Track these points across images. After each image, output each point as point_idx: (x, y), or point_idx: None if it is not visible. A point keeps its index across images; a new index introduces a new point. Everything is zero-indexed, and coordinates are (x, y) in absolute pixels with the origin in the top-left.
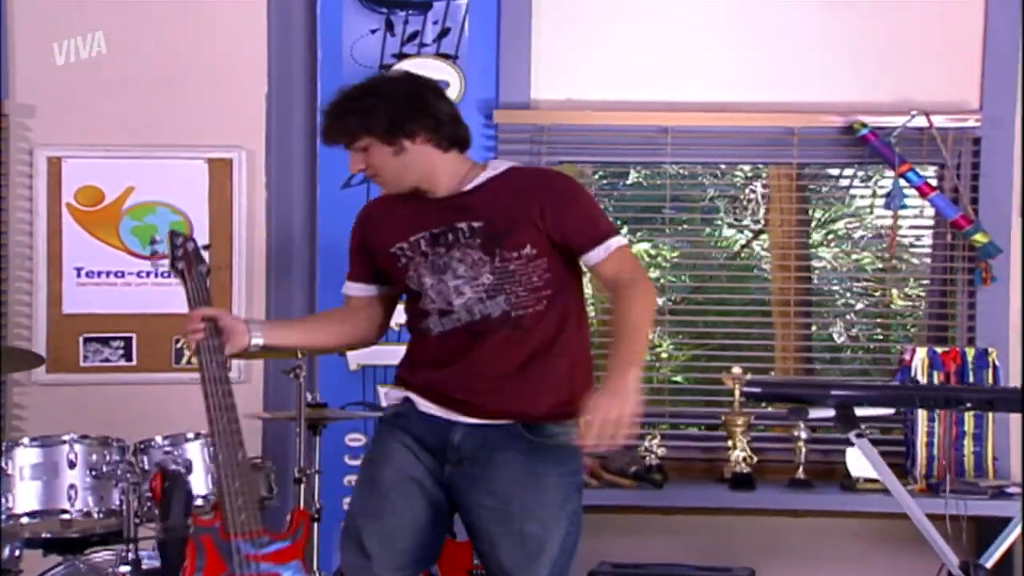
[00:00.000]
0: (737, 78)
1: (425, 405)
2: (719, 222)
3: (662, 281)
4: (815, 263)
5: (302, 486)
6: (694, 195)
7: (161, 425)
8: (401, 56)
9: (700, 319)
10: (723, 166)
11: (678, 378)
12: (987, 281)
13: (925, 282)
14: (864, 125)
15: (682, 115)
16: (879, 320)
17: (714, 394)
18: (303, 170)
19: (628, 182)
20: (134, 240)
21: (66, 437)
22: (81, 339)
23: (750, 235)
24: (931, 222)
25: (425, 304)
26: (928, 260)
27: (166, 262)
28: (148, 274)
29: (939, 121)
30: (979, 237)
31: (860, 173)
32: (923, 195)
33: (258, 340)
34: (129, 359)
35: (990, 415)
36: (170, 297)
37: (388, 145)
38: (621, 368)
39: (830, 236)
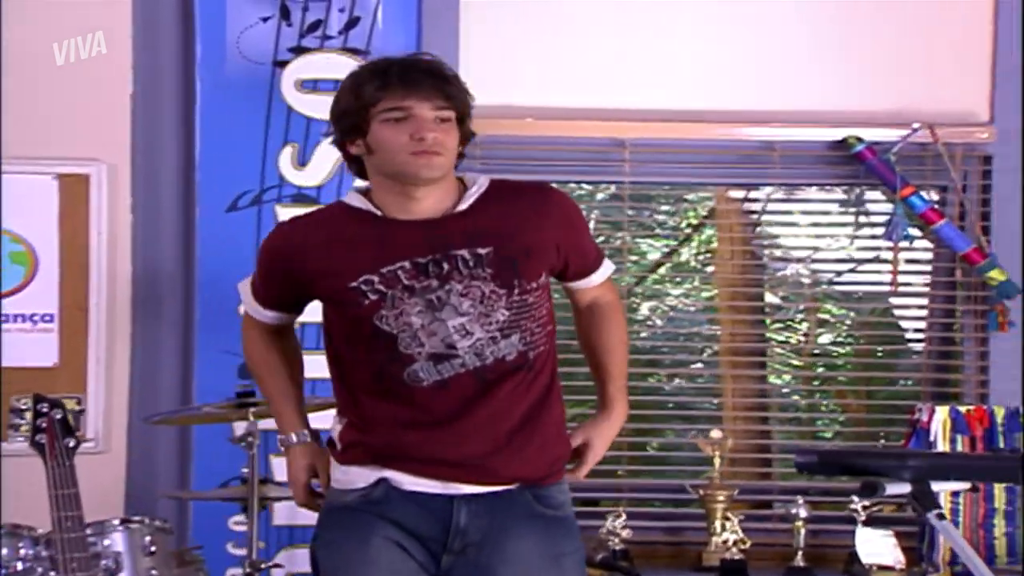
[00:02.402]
0: (708, 83)
1: (414, 482)
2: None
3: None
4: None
5: None
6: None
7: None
8: (300, 50)
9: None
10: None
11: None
12: (1004, 327)
13: (921, 327)
14: (859, 140)
15: (643, 125)
16: (863, 374)
17: (673, 462)
18: (177, 188)
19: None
20: None
21: None
22: None
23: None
24: (929, 255)
25: (406, 348)
26: (926, 301)
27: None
28: None
29: (944, 135)
30: (995, 274)
31: (847, 196)
32: (929, 223)
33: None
34: None
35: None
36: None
37: (459, 131)
38: (621, 392)
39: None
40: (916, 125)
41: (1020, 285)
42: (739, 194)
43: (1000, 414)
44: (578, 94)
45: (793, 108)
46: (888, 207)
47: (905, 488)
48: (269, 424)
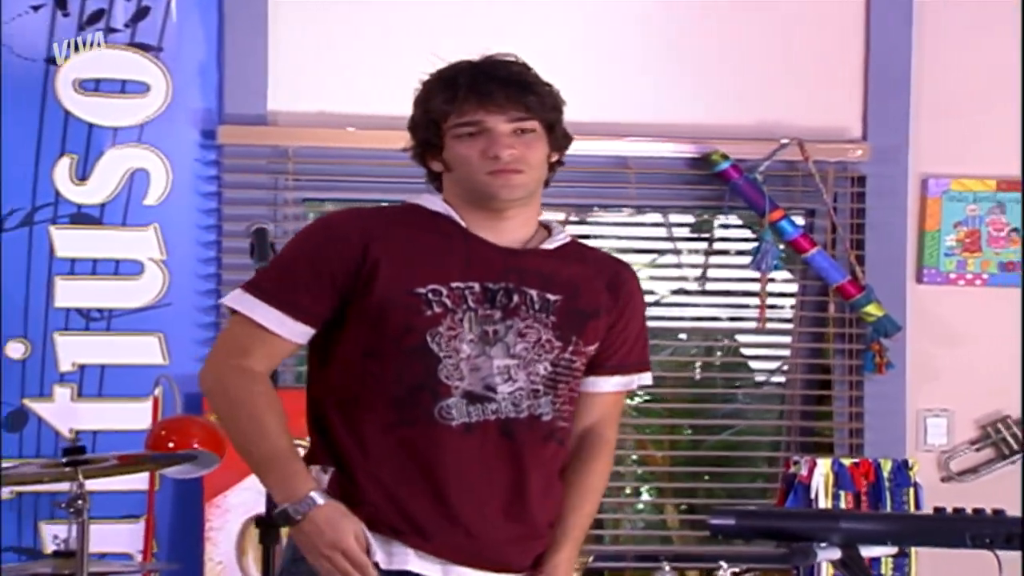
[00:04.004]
0: None
1: (420, 563)
2: None
3: None
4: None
5: None
6: None
7: None
8: (79, 45)
9: None
10: None
11: None
12: (881, 368)
13: (784, 369)
14: (725, 157)
15: None
16: (716, 421)
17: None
18: None
19: None
20: None
21: None
22: None
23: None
24: (794, 287)
25: (447, 378)
26: (788, 340)
27: None
28: None
29: (814, 153)
30: (872, 309)
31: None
32: (800, 252)
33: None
34: None
35: (914, 557)
36: None
37: (548, 143)
38: (569, 564)
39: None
40: (785, 141)
41: (899, 322)
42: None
43: (887, 467)
44: (404, 102)
45: (648, 120)
46: (744, 232)
47: (834, 554)
48: (99, 485)
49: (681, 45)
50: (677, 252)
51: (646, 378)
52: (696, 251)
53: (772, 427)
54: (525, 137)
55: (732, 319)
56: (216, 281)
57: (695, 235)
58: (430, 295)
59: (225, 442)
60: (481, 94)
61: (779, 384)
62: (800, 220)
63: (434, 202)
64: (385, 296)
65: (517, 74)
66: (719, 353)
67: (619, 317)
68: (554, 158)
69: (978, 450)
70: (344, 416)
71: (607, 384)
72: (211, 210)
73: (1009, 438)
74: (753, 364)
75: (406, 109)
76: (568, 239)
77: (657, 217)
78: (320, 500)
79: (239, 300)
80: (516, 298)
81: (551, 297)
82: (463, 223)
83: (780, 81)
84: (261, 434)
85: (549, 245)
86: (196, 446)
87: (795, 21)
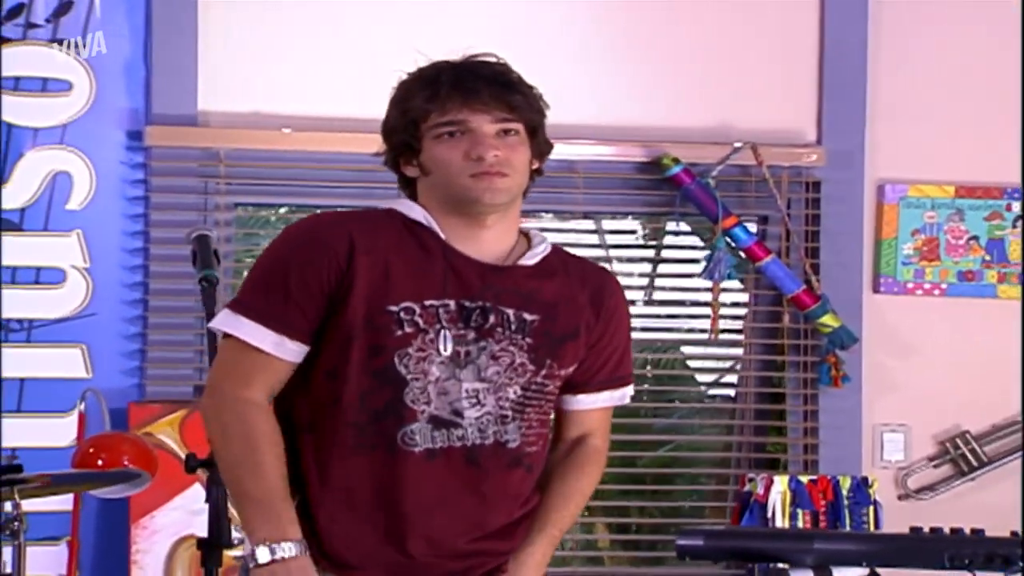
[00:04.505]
0: None
1: None
2: None
3: None
4: None
5: None
6: None
7: None
8: None
9: None
10: None
11: None
12: (837, 382)
13: (734, 383)
14: (676, 161)
15: None
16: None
17: None
18: None
19: None
20: None
21: None
22: None
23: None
24: (744, 297)
25: (413, 402)
26: (740, 352)
27: None
28: None
29: (768, 157)
30: (828, 320)
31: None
32: (755, 260)
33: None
34: None
35: None
36: None
37: (531, 147)
38: (552, 541)
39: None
40: (738, 144)
41: (855, 333)
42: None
43: (846, 485)
44: (344, 102)
45: (596, 122)
46: (693, 240)
47: None
48: (35, 506)
49: (632, 45)
50: (626, 260)
51: (630, 390)
52: (644, 259)
53: (719, 443)
54: (509, 139)
55: (680, 330)
56: (143, 290)
57: (642, 242)
58: (402, 314)
59: (157, 460)
60: (465, 92)
61: (729, 398)
62: (752, 227)
63: (413, 209)
64: (358, 313)
65: (501, 73)
66: (649, 368)
67: (603, 333)
68: (535, 165)
69: (936, 467)
70: (311, 438)
71: (597, 399)
72: (138, 215)
73: (968, 454)
74: (701, 377)
75: (346, 110)
76: (549, 250)
77: (606, 223)
78: (293, 551)
79: (232, 323)
80: (492, 318)
81: (528, 317)
82: (442, 235)
83: (733, 82)
84: (258, 474)
85: (529, 260)
86: (127, 464)
87: (748, 20)
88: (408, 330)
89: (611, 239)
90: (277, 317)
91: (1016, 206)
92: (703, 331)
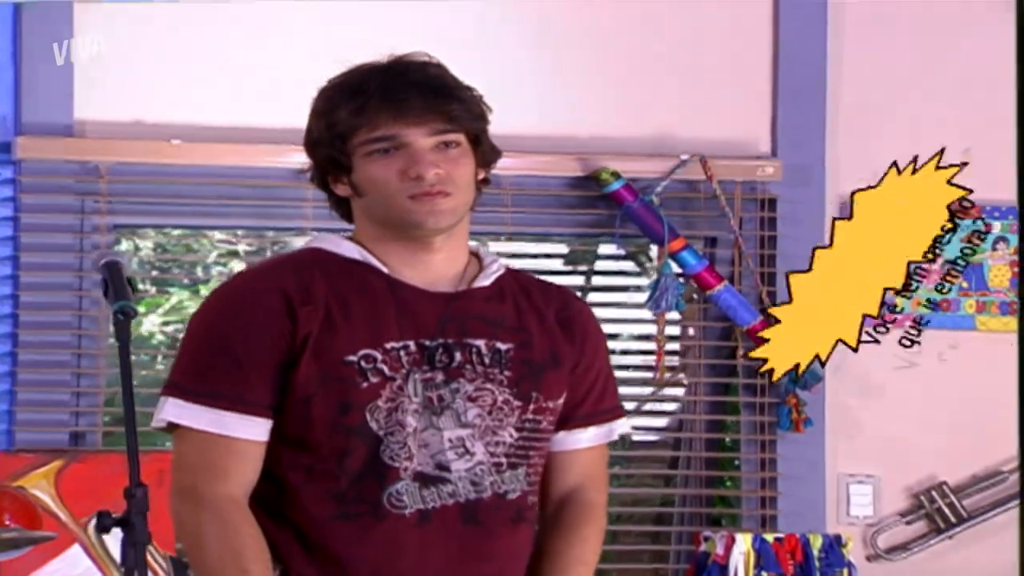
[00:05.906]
0: None
1: None
2: None
3: None
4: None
5: None
6: None
7: None
8: None
9: None
10: None
11: None
12: (799, 426)
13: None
14: (616, 175)
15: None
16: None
17: None
18: None
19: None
20: None
21: None
22: None
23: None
24: (691, 331)
25: (392, 459)
26: (682, 392)
27: None
28: None
29: (718, 171)
30: None
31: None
32: (705, 288)
33: None
34: None
35: None
36: None
37: (475, 157)
38: None
39: None
40: (684, 157)
41: (818, 371)
42: None
43: (816, 544)
44: (242, 111)
45: (527, 132)
46: (628, 264)
47: None
48: None
49: (566, 45)
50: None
51: (623, 425)
52: (572, 287)
53: (658, 496)
54: (450, 153)
55: (615, 367)
56: (12, 323)
57: (570, 267)
58: (363, 363)
59: (40, 516)
60: (396, 103)
61: (672, 445)
62: (700, 248)
63: (341, 245)
64: (315, 371)
65: (436, 77)
66: None
67: (580, 358)
68: (481, 176)
69: (909, 523)
70: (290, 512)
71: (583, 438)
72: (5, 238)
73: (945, 508)
74: (638, 421)
75: (244, 119)
76: (503, 270)
77: (535, 246)
78: None
79: (184, 413)
80: (459, 355)
81: (502, 347)
82: (384, 268)
83: (679, 88)
84: None
85: (484, 281)
86: (9, 523)
87: (696, 23)
88: (374, 380)
89: (534, 264)
90: (235, 396)
91: (997, 226)
92: (642, 368)
